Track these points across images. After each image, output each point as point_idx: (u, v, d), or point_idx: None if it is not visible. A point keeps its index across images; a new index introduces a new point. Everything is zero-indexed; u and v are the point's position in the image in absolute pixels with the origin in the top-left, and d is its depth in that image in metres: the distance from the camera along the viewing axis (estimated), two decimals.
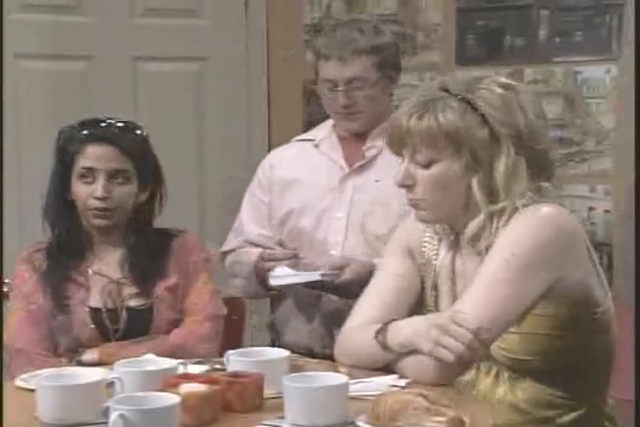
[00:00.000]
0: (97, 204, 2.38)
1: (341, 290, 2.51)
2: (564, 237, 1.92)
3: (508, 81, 1.98)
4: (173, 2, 3.58)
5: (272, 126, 3.70)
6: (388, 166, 2.47)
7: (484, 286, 1.88)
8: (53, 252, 2.43)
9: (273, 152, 2.88)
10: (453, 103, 1.91)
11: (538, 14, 3.16)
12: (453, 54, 3.33)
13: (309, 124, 3.49)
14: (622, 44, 3.00)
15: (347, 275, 2.48)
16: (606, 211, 3.07)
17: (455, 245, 2.05)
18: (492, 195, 1.93)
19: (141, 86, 3.53)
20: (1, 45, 3.19)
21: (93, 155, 2.38)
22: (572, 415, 1.98)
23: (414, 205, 2.00)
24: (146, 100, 3.51)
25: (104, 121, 2.42)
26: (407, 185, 1.97)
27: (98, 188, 2.37)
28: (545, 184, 1.98)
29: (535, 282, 1.89)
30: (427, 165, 1.94)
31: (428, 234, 2.09)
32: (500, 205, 1.92)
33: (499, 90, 1.94)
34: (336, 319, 2.51)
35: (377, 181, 2.61)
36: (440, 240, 2.08)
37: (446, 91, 1.94)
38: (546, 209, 1.92)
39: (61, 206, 2.43)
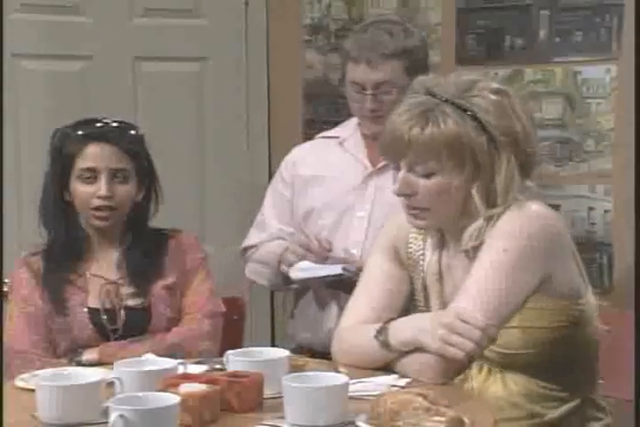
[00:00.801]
0: (100, 203, 2.38)
1: None
2: (552, 231, 1.95)
3: (499, 86, 1.97)
4: (173, 2, 3.58)
5: (272, 126, 3.70)
6: None
7: (478, 283, 1.90)
8: (51, 254, 2.43)
9: (296, 149, 2.86)
10: (450, 111, 1.90)
11: (538, 14, 3.16)
12: (453, 54, 3.32)
13: (309, 124, 3.49)
14: (622, 44, 3.00)
15: None
16: (606, 211, 3.07)
17: (441, 245, 2.07)
18: (488, 199, 1.94)
19: (141, 86, 3.52)
20: (1, 45, 3.19)
21: (94, 155, 2.38)
22: (565, 408, 2.00)
23: (414, 213, 1.99)
24: (145, 100, 3.51)
25: (100, 121, 2.42)
26: (406, 194, 1.97)
27: (101, 187, 2.37)
28: (529, 183, 2.00)
29: (527, 276, 1.91)
30: (427, 175, 1.93)
31: (412, 235, 2.10)
32: (498, 209, 1.93)
33: (492, 96, 1.93)
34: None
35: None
36: (424, 240, 2.09)
37: (432, 95, 1.92)
38: (533, 206, 1.95)
39: (58, 208, 2.42)
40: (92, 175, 2.38)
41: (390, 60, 2.57)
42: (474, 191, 1.93)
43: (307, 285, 2.64)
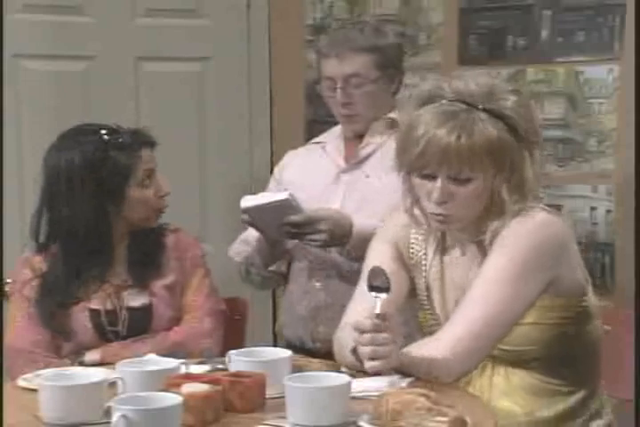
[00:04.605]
0: (163, 202, 2.45)
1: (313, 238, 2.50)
2: (559, 239, 1.98)
3: (514, 87, 2.00)
4: (175, 2, 3.58)
5: (274, 126, 3.70)
6: (379, 162, 2.51)
7: (487, 286, 1.92)
8: (67, 272, 2.40)
9: (288, 153, 2.90)
10: (486, 117, 1.90)
11: (540, 14, 3.16)
12: (455, 54, 3.32)
13: (311, 124, 3.49)
14: (625, 44, 3.00)
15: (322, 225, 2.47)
16: (608, 211, 3.07)
17: (442, 246, 2.08)
18: (516, 198, 1.94)
19: (143, 86, 3.52)
20: (1, 45, 3.19)
21: (148, 157, 2.42)
22: (567, 403, 2.02)
23: (443, 219, 1.97)
24: (148, 100, 3.51)
25: (116, 129, 2.42)
26: (444, 202, 1.94)
27: (162, 185, 2.44)
28: None
29: (534, 281, 1.94)
30: (465, 181, 1.92)
31: (413, 235, 2.11)
32: (522, 204, 1.94)
33: (514, 98, 1.94)
34: (322, 312, 2.61)
35: (367, 176, 2.62)
36: (426, 240, 2.10)
37: (464, 102, 1.91)
38: (541, 215, 1.97)
39: (106, 222, 2.40)
40: (147, 178, 2.41)
41: (359, 53, 2.60)
42: (504, 191, 1.93)
43: (261, 227, 2.56)
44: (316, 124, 2.98)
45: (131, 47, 3.50)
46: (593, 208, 3.10)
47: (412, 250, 2.11)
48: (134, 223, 2.43)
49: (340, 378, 1.74)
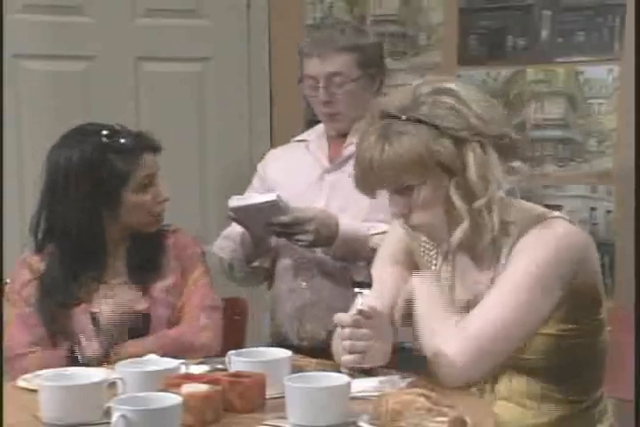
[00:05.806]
0: (161, 207, 2.44)
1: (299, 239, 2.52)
2: (579, 249, 1.96)
3: (440, 86, 1.94)
4: (175, 2, 3.58)
5: (274, 126, 3.70)
6: None
7: (507, 292, 1.90)
8: (64, 274, 2.39)
9: (270, 151, 2.93)
10: (404, 128, 1.88)
11: (540, 14, 3.16)
12: (455, 54, 3.33)
13: (311, 124, 3.49)
14: (624, 44, 3.00)
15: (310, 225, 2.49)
16: (608, 211, 3.07)
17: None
18: (473, 195, 1.91)
19: (143, 86, 3.53)
20: (1, 45, 3.20)
21: (151, 163, 2.41)
22: (569, 411, 2.01)
23: (416, 230, 2.01)
24: (148, 100, 3.52)
25: (119, 130, 2.41)
26: (405, 214, 1.96)
27: (162, 190, 2.43)
28: (516, 164, 1.97)
29: (552, 291, 1.92)
30: (409, 190, 1.92)
31: None
32: (482, 200, 1.91)
33: (438, 98, 1.90)
34: (307, 311, 2.63)
35: (350, 176, 2.62)
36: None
37: (386, 116, 1.91)
38: (561, 224, 1.96)
39: (99, 224, 2.39)
40: (148, 182, 2.40)
41: (341, 53, 2.62)
42: (452, 191, 1.91)
43: (248, 225, 2.58)
44: (315, 124, 2.98)
45: (131, 47, 3.51)
46: (593, 208, 3.10)
47: (422, 248, 2.11)
48: (132, 227, 2.43)
49: (340, 378, 1.74)
